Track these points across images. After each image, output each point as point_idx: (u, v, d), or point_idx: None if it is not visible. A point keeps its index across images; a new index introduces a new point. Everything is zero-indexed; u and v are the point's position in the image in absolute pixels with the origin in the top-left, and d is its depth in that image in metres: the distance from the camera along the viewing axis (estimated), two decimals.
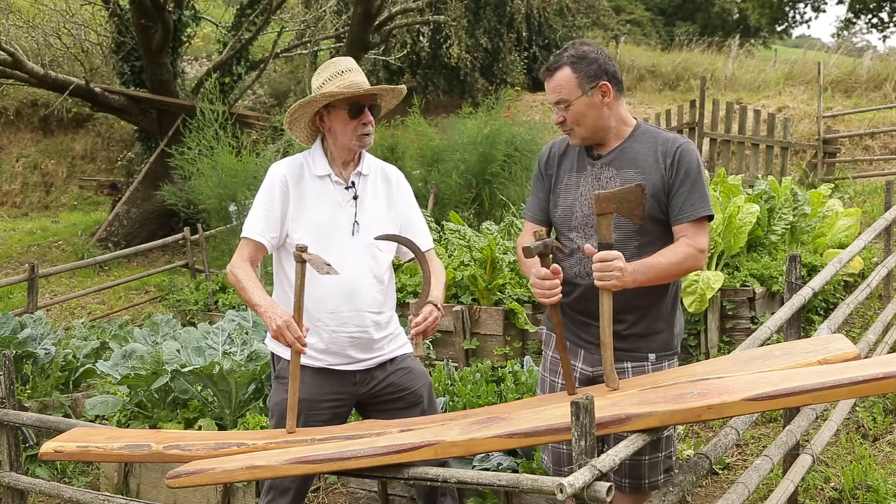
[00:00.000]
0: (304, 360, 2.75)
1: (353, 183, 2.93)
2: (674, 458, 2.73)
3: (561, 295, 2.47)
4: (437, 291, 2.83)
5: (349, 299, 2.86)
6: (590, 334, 2.64)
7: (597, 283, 2.37)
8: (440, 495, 2.99)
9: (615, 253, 2.36)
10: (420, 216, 3.08)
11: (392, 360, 2.98)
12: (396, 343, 3.02)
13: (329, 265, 2.59)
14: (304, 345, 2.61)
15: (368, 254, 2.90)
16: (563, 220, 2.68)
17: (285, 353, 2.82)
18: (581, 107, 2.56)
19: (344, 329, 2.87)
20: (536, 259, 2.47)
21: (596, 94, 2.56)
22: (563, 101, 2.56)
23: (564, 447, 2.69)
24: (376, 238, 2.88)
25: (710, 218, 2.58)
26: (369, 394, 2.95)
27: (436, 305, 2.77)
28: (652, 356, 2.63)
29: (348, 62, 2.92)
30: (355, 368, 2.91)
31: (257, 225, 2.86)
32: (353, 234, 2.88)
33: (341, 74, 2.87)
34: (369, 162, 3.01)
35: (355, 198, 2.91)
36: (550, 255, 2.48)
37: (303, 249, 2.59)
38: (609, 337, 2.39)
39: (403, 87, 3.02)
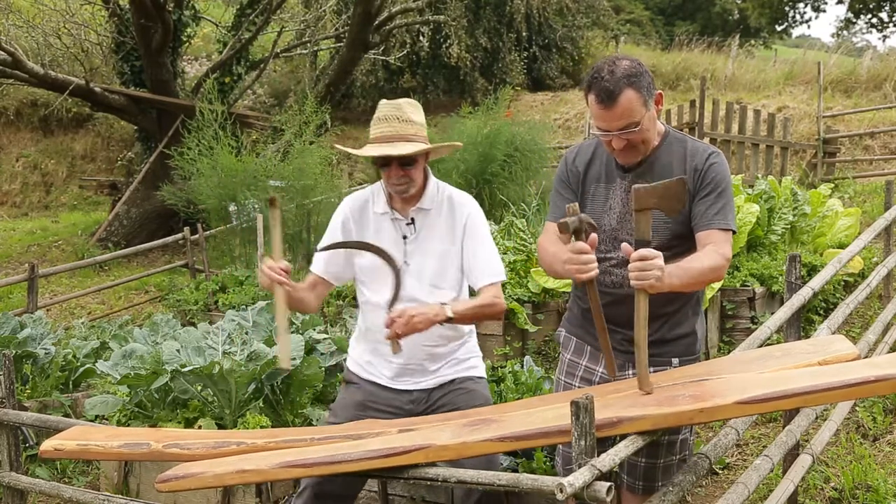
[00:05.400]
0: (364, 375, 2.95)
1: (412, 219, 2.88)
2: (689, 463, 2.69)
3: (597, 270, 2.32)
4: (460, 306, 2.77)
5: None
6: (609, 339, 2.59)
7: (633, 283, 2.17)
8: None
9: (655, 252, 2.17)
10: (486, 249, 2.89)
11: (452, 381, 2.94)
12: (460, 367, 2.97)
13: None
14: (285, 273, 2.68)
15: (425, 291, 2.85)
16: None
17: (352, 363, 3.02)
18: (647, 123, 2.44)
19: (397, 359, 2.87)
20: (568, 238, 2.32)
21: (652, 106, 2.47)
22: (633, 124, 2.41)
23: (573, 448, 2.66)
24: (320, 249, 2.90)
25: (733, 232, 2.49)
26: (425, 413, 2.92)
27: (408, 311, 2.67)
28: (675, 360, 2.60)
29: (395, 108, 2.82)
30: (412, 388, 2.92)
31: (319, 261, 2.95)
32: (407, 274, 2.84)
33: (378, 122, 2.80)
34: (435, 194, 2.91)
35: (404, 238, 2.87)
36: (585, 232, 2.32)
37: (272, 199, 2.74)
38: (644, 339, 2.21)
39: (453, 144, 3.10)
